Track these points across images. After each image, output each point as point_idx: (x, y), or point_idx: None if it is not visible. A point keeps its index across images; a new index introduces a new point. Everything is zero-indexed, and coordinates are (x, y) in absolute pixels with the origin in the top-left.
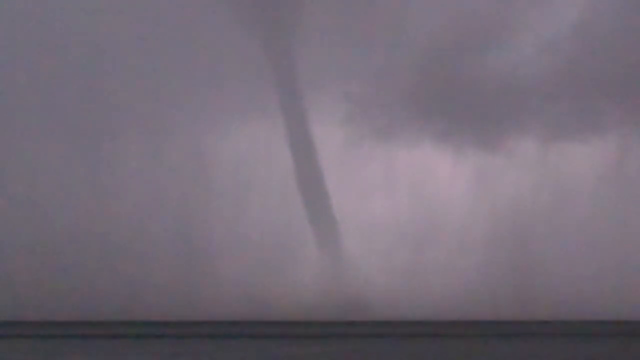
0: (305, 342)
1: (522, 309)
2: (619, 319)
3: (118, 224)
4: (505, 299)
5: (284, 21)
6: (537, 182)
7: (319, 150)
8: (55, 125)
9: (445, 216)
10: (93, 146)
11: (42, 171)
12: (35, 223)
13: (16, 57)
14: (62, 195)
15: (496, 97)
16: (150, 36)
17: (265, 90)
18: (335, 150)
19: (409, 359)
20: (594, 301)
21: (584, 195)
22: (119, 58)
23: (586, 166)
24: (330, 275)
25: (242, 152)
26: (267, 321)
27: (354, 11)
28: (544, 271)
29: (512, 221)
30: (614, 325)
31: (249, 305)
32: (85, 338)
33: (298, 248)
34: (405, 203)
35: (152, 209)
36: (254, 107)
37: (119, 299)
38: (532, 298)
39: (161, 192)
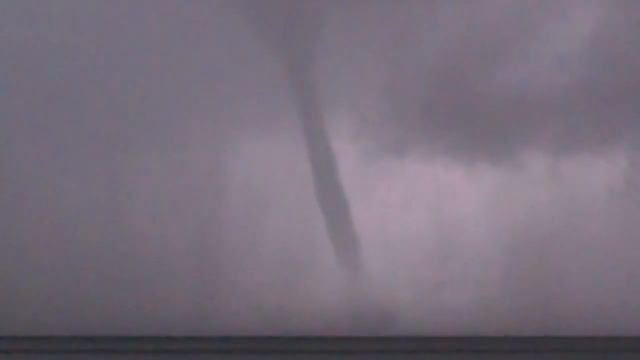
0: (322, 358)
1: (543, 325)
2: (627, 335)
3: (133, 238)
4: (525, 315)
5: (304, 35)
6: (552, 196)
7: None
8: (69, 139)
9: (462, 231)
10: (108, 160)
11: (55, 185)
12: (49, 238)
13: (26, 67)
14: (77, 210)
15: (510, 110)
16: (169, 50)
17: (284, 103)
18: (346, 166)
19: None
20: (615, 317)
21: (599, 209)
22: (135, 71)
23: (600, 180)
24: (350, 290)
25: (259, 166)
26: (285, 337)
27: (371, 27)
28: (564, 285)
29: (529, 236)
30: (635, 342)
31: (266, 320)
32: (98, 353)
33: (317, 263)
34: (421, 218)
35: (167, 223)
36: (273, 119)
37: (134, 314)
38: (553, 313)
39: (177, 207)
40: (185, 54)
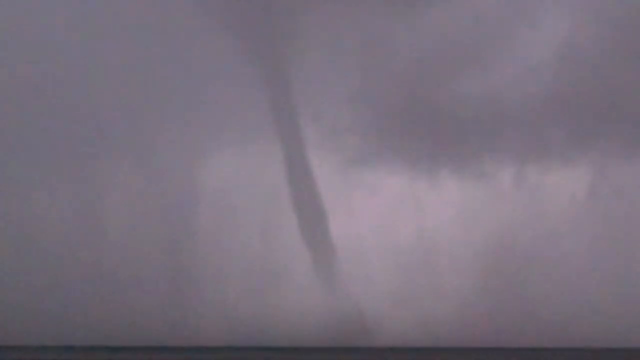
0: None
1: (514, 336)
2: (610, 346)
3: (103, 248)
4: (502, 325)
5: (279, 41)
6: (519, 206)
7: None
8: (42, 148)
9: (432, 241)
10: (79, 169)
11: (26, 195)
12: (20, 247)
13: None
14: (47, 220)
15: (474, 121)
16: (142, 57)
17: (259, 111)
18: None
19: None
20: (588, 328)
21: (566, 221)
22: (108, 79)
23: (567, 189)
24: (326, 300)
25: (233, 174)
26: (258, 347)
27: (338, 35)
28: (533, 296)
29: (498, 248)
30: (605, 353)
31: (239, 330)
32: None
33: (293, 272)
34: (390, 228)
35: (139, 232)
36: (247, 127)
37: (105, 323)
38: (524, 324)
39: (149, 216)
40: (159, 62)
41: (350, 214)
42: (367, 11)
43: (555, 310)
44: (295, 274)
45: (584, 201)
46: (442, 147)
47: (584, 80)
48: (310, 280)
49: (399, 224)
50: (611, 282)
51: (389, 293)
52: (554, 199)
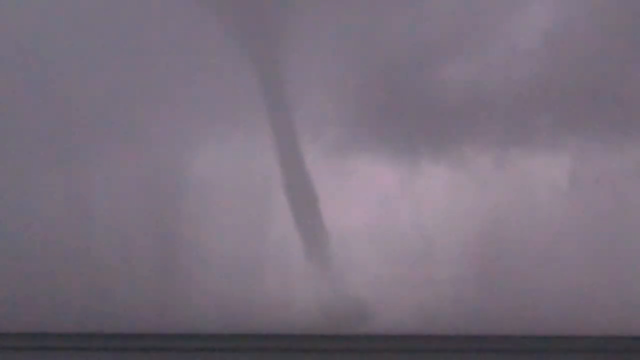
0: (290, 357)
1: (500, 324)
2: (597, 334)
3: (91, 234)
4: (502, 313)
5: (269, 28)
6: (503, 195)
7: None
8: (27, 136)
9: (416, 229)
10: (67, 157)
11: (12, 183)
12: (8, 235)
13: None
14: (35, 206)
15: (457, 109)
16: (130, 46)
17: (249, 95)
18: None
19: None
20: (574, 316)
21: (549, 207)
22: (95, 67)
23: (547, 177)
24: (319, 286)
25: (221, 159)
26: (249, 334)
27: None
28: (515, 284)
29: (482, 234)
30: (593, 340)
31: (229, 317)
32: (59, 351)
33: (285, 257)
34: (374, 215)
35: (128, 218)
36: (237, 115)
37: (93, 311)
38: (506, 312)
39: (138, 203)
40: (152, 52)
41: (333, 202)
42: (349, 1)
43: (549, 297)
44: (288, 260)
45: (568, 188)
46: (426, 133)
47: (570, 67)
48: (303, 266)
49: (383, 212)
50: (603, 268)
51: (376, 280)
52: (540, 186)
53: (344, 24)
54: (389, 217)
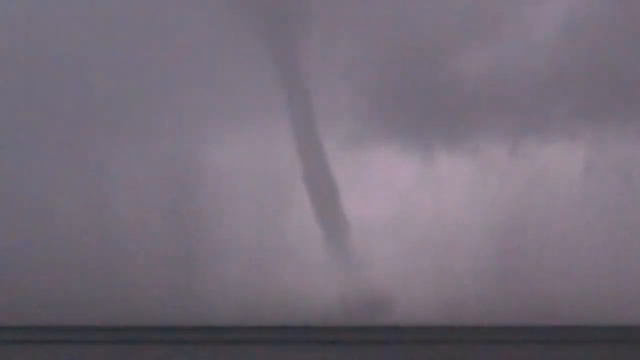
0: (306, 348)
1: (521, 315)
2: (616, 324)
3: (112, 229)
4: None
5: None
6: (520, 185)
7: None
8: (50, 131)
9: (435, 219)
10: (88, 151)
11: (34, 176)
12: (28, 228)
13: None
14: (52, 200)
15: (474, 99)
16: (148, 39)
17: (269, 87)
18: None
19: None
20: (593, 306)
21: (567, 196)
22: (107, 55)
23: (563, 167)
24: (339, 277)
25: (241, 152)
26: (269, 326)
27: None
28: (534, 274)
29: (500, 225)
30: (613, 331)
31: (249, 310)
32: (79, 343)
33: (305, 249)
34: (394, 206)
35: (147, 213)
36: (255, 104)
37: (113, 304)
38: (528, 303)
39: (158, 197)
40: (166, 40)
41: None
42: None
43: (569, 286)
44: (307, 252)
45: (584, 177)
46: (444, 124)
47: (586, 57)
48: (323, 257)
49: (402, 203)
50: (623, 256)
51: (399, 272)
52: (557, 175)
53: (362, 18)
54: (409, 208)
